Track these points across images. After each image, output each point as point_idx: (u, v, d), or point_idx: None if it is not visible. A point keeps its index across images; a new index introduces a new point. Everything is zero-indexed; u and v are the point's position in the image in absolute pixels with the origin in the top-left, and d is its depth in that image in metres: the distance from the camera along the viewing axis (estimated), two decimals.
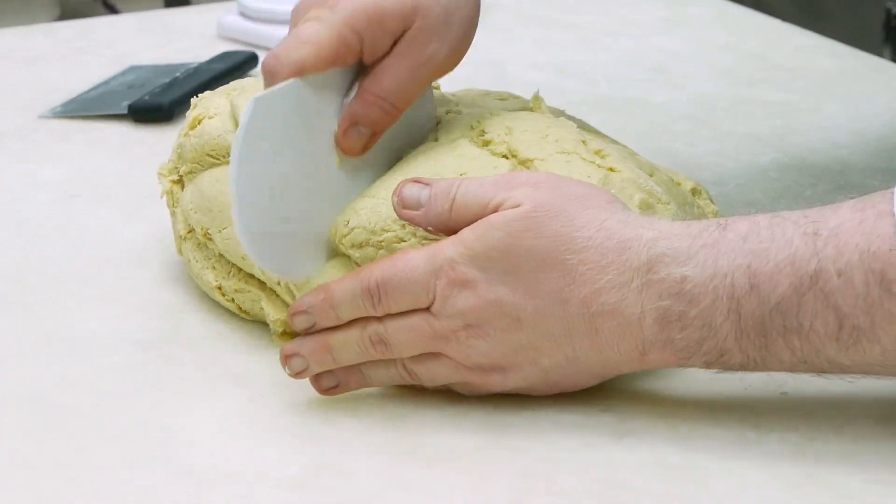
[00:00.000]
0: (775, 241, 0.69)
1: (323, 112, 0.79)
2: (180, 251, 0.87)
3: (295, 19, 0.80)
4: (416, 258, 0.73)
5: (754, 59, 1.29)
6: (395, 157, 0.82)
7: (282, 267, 0.78)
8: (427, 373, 0.75)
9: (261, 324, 0.83)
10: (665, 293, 0.70)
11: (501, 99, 0.92)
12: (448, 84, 0.97)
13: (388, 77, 0.79)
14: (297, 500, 0.68)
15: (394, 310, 0.74)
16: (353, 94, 0.80)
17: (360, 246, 0.77)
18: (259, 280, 0.82)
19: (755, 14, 1.42)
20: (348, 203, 0.79)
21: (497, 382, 0.74)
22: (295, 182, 0.78)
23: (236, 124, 0.83)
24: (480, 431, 0.73)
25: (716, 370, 0.72)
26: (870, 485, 0.68)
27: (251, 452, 0.72)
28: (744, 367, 0.71)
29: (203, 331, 0.83)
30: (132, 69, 1.26)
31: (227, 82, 0.93)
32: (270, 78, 0.77)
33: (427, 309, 0.73)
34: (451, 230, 0.74)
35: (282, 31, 1.29)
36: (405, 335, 0.74)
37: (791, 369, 0.71)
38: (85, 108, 1.18)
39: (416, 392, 0.76)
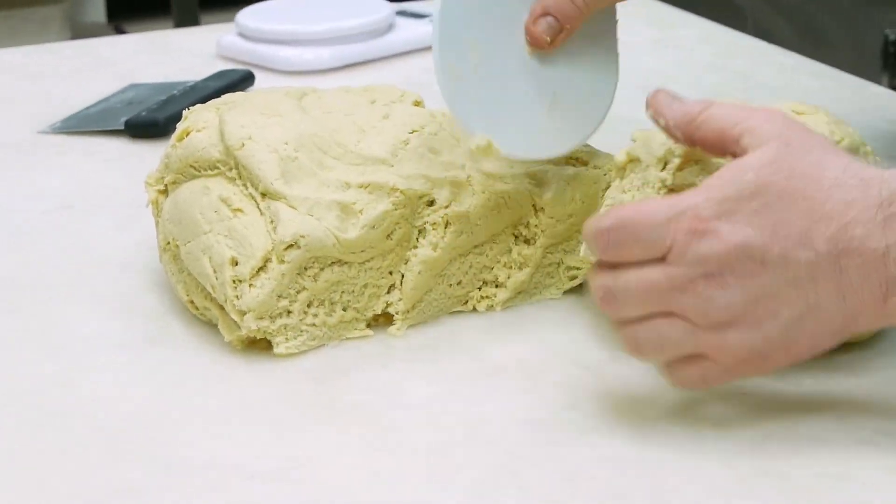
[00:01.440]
0: None
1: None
2: (161, 260, 0.89)
3: None
4: (657, 203, 0.72)
5: (739, 77, 1.31)
6: (578, 75, 0.86)
7: (468, 119, 0.83)
8: (656, 337, 0.72)
9: None
10: None
11: None
12: (440, 100, 0.99)
13: None
14: (274, 491, 0.70)
15: (624, 257, 0.72)
16: None
17: None
18: (216, 301, 0.83)
19: (741, 35, 1.44)
20: (535, 94, 0.84)
21: (735, 342, 0.71)
22: (491, 50, 0.83)
23: (223, 139, 0.87)
24: (451, 428, 0.75)
25: None
26: (820, 478, 0.70)
27: (229, 446, 0.74)
28: None
29: (187, 333, 0.85)
30: (131, 87, 1.29)
31: None
32: None
33: (661, 260, 0.71)
34: (690, 137, 0.75)
35: (279, 51, 1.35)
36: (636, 288, 0.72)
37: None
38: (83, 123, 1.21)
39: (391, 391, 0.79)
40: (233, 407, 0.78)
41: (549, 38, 0.84)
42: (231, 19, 1.43)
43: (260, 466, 0.72)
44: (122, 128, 1.18)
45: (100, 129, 1.19)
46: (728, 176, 0.71)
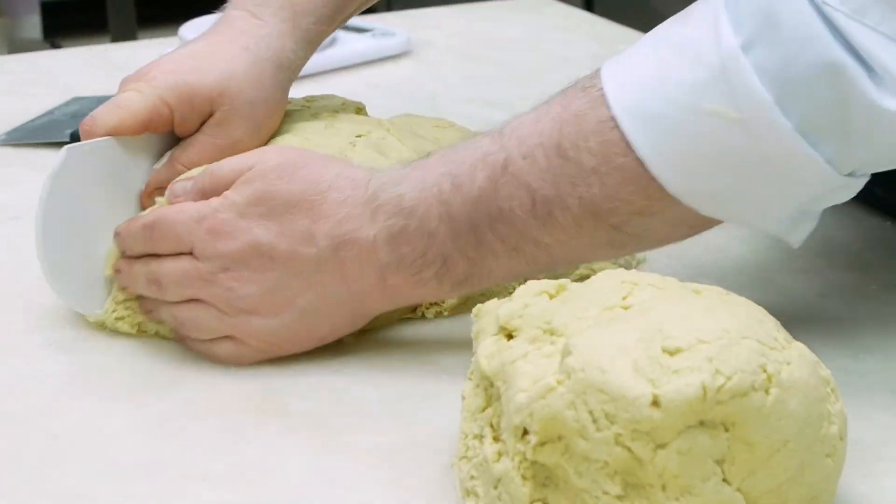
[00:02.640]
0: (469, 149, 0.79)
1: (134, 171, 0.89)
2: None
3: (118, 91, 0.90)
4: (188, 206, 0.82)
5: None
6: None
7: (74, 299, 0.86)
8: (192, 319, 0.82)
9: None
10: (389, 213, 0.78)
11: (439, 127, 0.96)
12: (383, 113, 1.01)
13: (196, 150, 0.89)
14: (223, 494, 0.71)
15: (162, 248, 0.82)
16: (165, 159, 0.89)
17: None
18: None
19: None
20: None
21: (258, 327, 0.81)
22: (100, 228, 0.86)
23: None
24: (399, 432, 0.76)
25: (449, 287, 0.79)
26: None
27: (179, 450, 0.75)
28: (469, 278, 0.79)
29: (136, 341, 0.86)
30: (75, 100, 1.29)
31: None
32: (87, 137, 0.87)
33: (191, 254, 0.81)
34: (212, 195, 0.82)
35: None
36: (174, 275, 0.82)
37: (510, 268, 0.78)
38: (28, 136, 1.21)
39: (339, 394, 0.80)
40: (183, 413, 0.79)
41: None
42: (169, 36, 1.43)
43: (211, 471, 0.73)
44: (68, 140, 1.18)
45: (45, 141, 1.19)
46: (240, 185, 0.81)
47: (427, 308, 0.89)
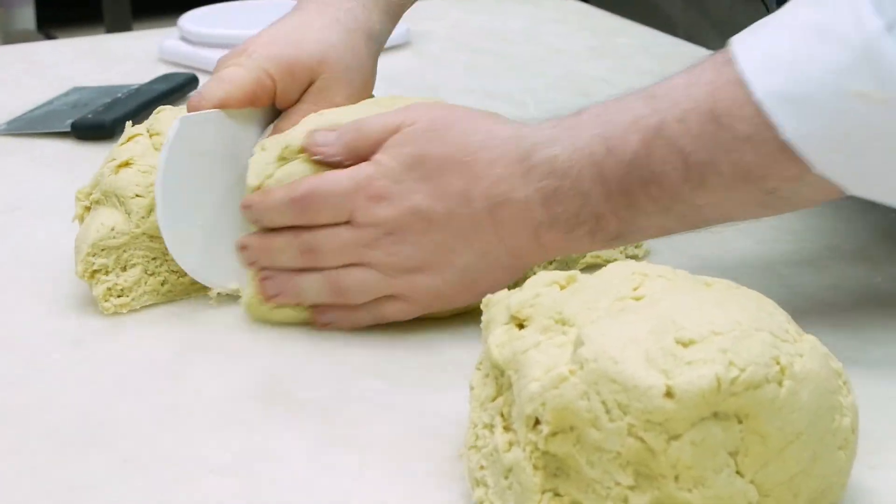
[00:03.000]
0: (620, 111, 0.79)
1: (241, 144, 0.88)
2: None
3: (218, 68, 0.90)
4: (341, 174, 0.83)
5: None
6: None
7: (198, 270, 0.87)
8: (355, 283, 0.84)
9: (196, 326, 0.87)
10: (542, 174, 0.80)
11: None
12: None
13: (299, 118, 0.89)
14: (231, 484, 0.71)
15: (317, 219, 0.83)
16: (268, 132, 0.89)
17: None
18: None
19: (679, 42, 1.47)
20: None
21: (422, 285, 0.83)
22: (214, 202, 0.86)
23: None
24: (406, 421, 0.76)
25: (601, 243, 0.81)
26: None
27: (187, 441, 0.74)
28: (621, 234, 0.80)
29: (139, 330, 0.86)
30: (75, 90, 1.29)
31: (169, 102, 0.96)
32: (194, 111, 0.87)
33: (349, 222, 0.83)
34: (359, 155, 0.83)
35: (221, 55, 1.35)
36: (334, 243, 0.83)
37: (661, 225, 0.80)
38: (29, 126, 1.20)
39: (346, 384, 0.80)
40: (189, 402, 0.78)
41: None
42: (164, 27, 1.42)
43: (217, 460, 0.72)
44: (69, 130, 1.18)
45: (46, 131, 1.19)
46: (391, 150, 0.82)
47: None
